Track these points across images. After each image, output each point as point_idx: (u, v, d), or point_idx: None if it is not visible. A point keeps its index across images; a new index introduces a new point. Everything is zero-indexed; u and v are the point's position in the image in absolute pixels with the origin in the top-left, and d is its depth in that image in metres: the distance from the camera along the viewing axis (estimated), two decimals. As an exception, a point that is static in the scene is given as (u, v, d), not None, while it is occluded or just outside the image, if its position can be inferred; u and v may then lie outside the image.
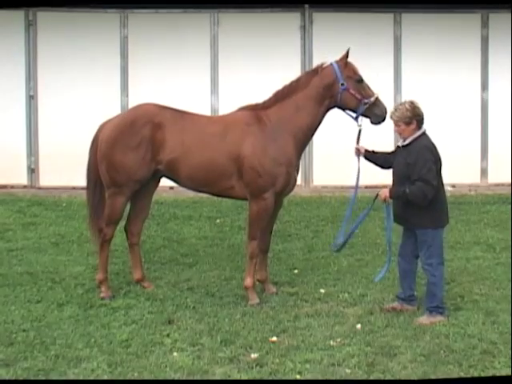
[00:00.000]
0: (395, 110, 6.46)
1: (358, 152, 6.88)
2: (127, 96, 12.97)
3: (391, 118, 6.47)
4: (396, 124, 6.43)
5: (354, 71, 6.87)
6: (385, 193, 6.44)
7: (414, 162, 6.26)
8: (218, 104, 13.02)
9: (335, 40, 12.29)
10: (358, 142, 6.99)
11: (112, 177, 6.89)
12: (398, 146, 6.60)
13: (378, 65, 12.31)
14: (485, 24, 13.27)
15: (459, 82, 13.28)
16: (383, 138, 12.50)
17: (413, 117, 6.35)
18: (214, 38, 13.05)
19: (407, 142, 6.43)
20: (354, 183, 6.97)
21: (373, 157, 6.84)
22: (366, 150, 6.84)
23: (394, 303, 6.70)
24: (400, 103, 6.62)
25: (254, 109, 6.96)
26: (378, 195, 6.54)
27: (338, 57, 6.91)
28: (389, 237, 6.67)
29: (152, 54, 12.99)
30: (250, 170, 6.74)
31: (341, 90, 6.80)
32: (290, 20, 13.06)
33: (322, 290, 7.17)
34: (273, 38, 13.01)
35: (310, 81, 6.88)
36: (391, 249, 6.70)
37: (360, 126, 6.93)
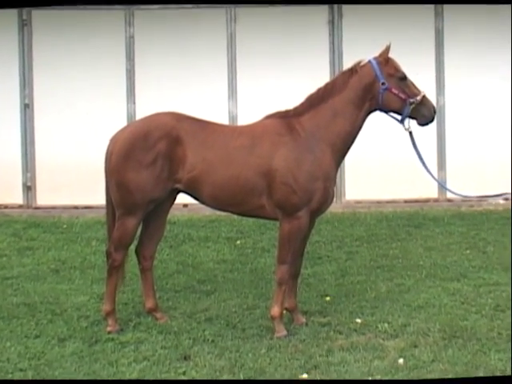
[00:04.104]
0: None
1: None
2: (134, 103, 13.04)
3: None
4: None
5: (396, 68, 6.83)
6: None
7: None
8: (236, 110, 13.06)
9: (368, 36, 12.31)
10: (415, 147, 6.94)
11: (123, 196, 6.87)
12: None
13: (417, 62, 12.27)
14: (538, 14, 13.22)
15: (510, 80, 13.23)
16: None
17: None
18: (230, 36, 13.11)
19: None
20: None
21: None
22: None
23: None
24: None
25: (285, 116, 6.90)
26: None
27: (371, 55, 6.89)
28: None
29: (161, 56, 13.07)
30: (283, 185, 6.69)
31: (382, 90, 6.78)
32: (317, 14, 13.07)
33: (358, 320, 7.13)
34: (297, 36, 13.05)
35: (348, 82, 6.84)
36: None
37: (408, 128, 6.90)
